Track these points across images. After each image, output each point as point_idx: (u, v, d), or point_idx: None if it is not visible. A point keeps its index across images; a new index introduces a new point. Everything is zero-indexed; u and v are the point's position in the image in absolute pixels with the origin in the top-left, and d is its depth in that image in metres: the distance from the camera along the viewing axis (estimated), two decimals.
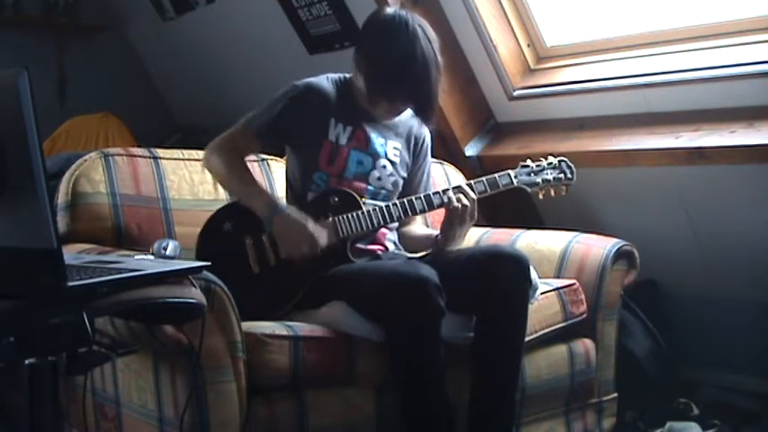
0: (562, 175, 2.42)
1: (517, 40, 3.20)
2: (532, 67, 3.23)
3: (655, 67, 2.81)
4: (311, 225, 2.18)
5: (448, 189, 2.29)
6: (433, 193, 2.29)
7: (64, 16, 4.22)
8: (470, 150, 3.27)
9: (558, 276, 2.58)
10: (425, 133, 2.47)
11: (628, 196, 3.02)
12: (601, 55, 3.05)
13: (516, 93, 3.19)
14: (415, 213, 2.29)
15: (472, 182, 2.32)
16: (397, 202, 2.27)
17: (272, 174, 2.65)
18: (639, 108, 2.87)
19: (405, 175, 2.42)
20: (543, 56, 3.24)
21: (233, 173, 2.27)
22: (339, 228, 2.23)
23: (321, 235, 2.18)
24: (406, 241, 2.45)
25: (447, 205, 2.26)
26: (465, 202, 2.25)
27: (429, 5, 3.14)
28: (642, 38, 2.95)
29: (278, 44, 3.74)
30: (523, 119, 3.24)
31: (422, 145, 2.47)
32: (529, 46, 3.23)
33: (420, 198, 2.28)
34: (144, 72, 4.59)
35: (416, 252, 2.43)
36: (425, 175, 2.49)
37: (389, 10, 2.33)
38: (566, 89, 3.06)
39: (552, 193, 2.41)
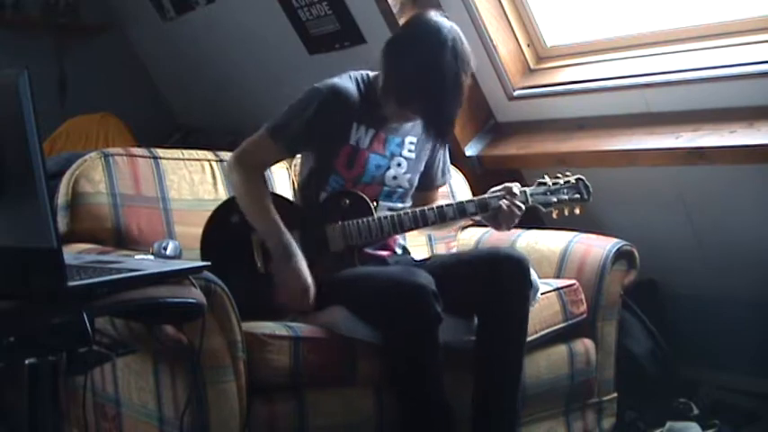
0: (578, 195, 2.38)
1: (517, 40, 3.19)
2: (532, 67, 3.23)
3: (654, 67, 2.81)
4: (312, 289, 2.13)
5: (473, 200, 2.29)
6: (447, 206, 2.28)
7: (64, 16, 4.22)
8: (470, 150, 3.26)
9: (558, 276, 2.58)
10: None
11: (628, 196, 3.02)
12: (601, 55, 3.04)
13: (516, 93, 3.19)
14: (426, 225, 2.27)
15: (486, 196, 2.29)
16: (410, 212, 2.25)
17: (272, 174, 2.64)
18: (639, 108, 2.87)
19: (422, 167, 2.39)
20: (543, 56, 3.24)
21: (253, 199, 2.19)
22: (347, 234, 2.22)
23: (311, 297, 2.14)
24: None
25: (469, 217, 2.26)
26: (515, 208, 2.26)
27: (429, 5, 3.14)
28: (642, 38, 2.95)
29: (278, 44, 3.74)
30: (523, 119, 3.24)
31: None
32: (529, 46, 3.23)
33: (433, 209, 2.26)
34: (144, 72, 4.58)
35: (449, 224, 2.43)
36: (443, 160, 2.46)
37: (435, 17, 2.20)
38: (566, 89, 3.06)
39: (566, 212, 2.39)
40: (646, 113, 2.86)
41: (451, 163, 2.97)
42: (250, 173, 2.20)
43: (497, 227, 2.32)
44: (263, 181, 2.27)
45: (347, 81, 2.26)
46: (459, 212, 2.28)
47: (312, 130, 2.20)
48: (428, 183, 2.43)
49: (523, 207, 2.29)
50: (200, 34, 4.08)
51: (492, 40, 3.13)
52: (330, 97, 2.21)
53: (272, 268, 2.16)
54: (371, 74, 2.30)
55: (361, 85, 2.27)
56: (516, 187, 2.30)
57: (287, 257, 2.12)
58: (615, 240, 2.59)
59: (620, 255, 2.56)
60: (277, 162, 2.38)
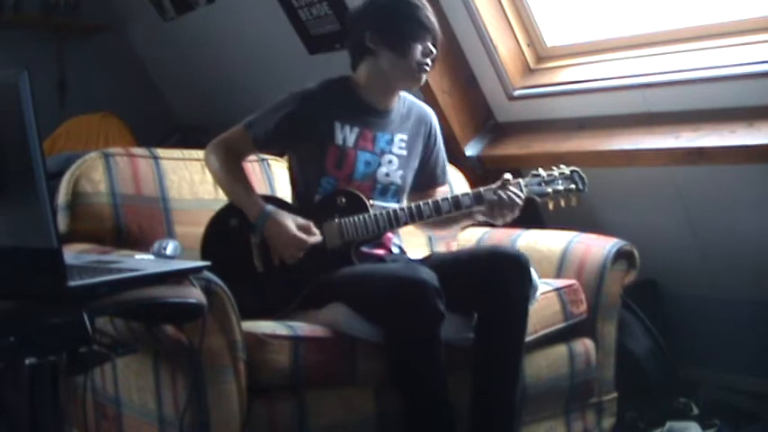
0: (573, 186, 2.37)
1: (517, 40, 3.20)
2: (532, 67, 3.23)
3: (654, 67, 2.81)
4: (295, 229, 2.17)
5: (468, 193, 2.28)
6: (442, 200, 2.27)
7: (64, 16, 4.22)
8: (470, 150, 3.27)
9: (557, 276, 2.58)
10: (432, 117, 2.46)
11: (628, 196, 3.02)
12: (601, 55, 3.05)
13: (516, 93, 3.19)
14: (422, 219, 2.26)
15: (482, 189, 2.29)
16: (405, 207, 2.26)
17: (272, 174, 2.65)
18: (639, 108, 2.87)
19: (415, 165, 2.40)
20: (543, 56, 3.24)
21: (228, 174, 2.29)
22: (344, 231, 2.22)
23: (306, 238, 2.18)
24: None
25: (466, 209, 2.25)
26: (514, 197, 2.26)
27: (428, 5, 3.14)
28: (642, 38, 2.95)
29: (278, 44, 3.74)
30: (523, 119, 3.24)
31: (430, 129, 2.44)
32: (529, 46, 3.23)
33: (428, 203, 2.26)
34: (144, 72, 4.59)
35: (447, 225, 2.43)
36: (440, 157, 2.47)
37: None
38: (566, 89, 3.06)
39: (562, 203, 2.37)
40: (646, 113, 2.87)
41: (451, 163, 2.99)
42: (226, 155, 2.31)
43: (496, 220, 2.31)
44: (239, 163, 2.34)
45: (321, 87, 2.33)
46: (454, 205, 2.27)
47: (281, 132, 2.28)
48: (429, 181, 2.43)
49: (522, 196, 2.28)
50: (200, 34, 4.08)
51: (492, 40, 3.14)
52: (300, 103, 2.28)
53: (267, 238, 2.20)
54: (346, 75, 2.36)
55: (339, 86, 2.34)
56: (510, 177, 2.30)
57: (270, 221, 2.18)
58: (615, 240, 2.59)
59: (620, 255, 2.56)
60: (249, 154, 2.42)
